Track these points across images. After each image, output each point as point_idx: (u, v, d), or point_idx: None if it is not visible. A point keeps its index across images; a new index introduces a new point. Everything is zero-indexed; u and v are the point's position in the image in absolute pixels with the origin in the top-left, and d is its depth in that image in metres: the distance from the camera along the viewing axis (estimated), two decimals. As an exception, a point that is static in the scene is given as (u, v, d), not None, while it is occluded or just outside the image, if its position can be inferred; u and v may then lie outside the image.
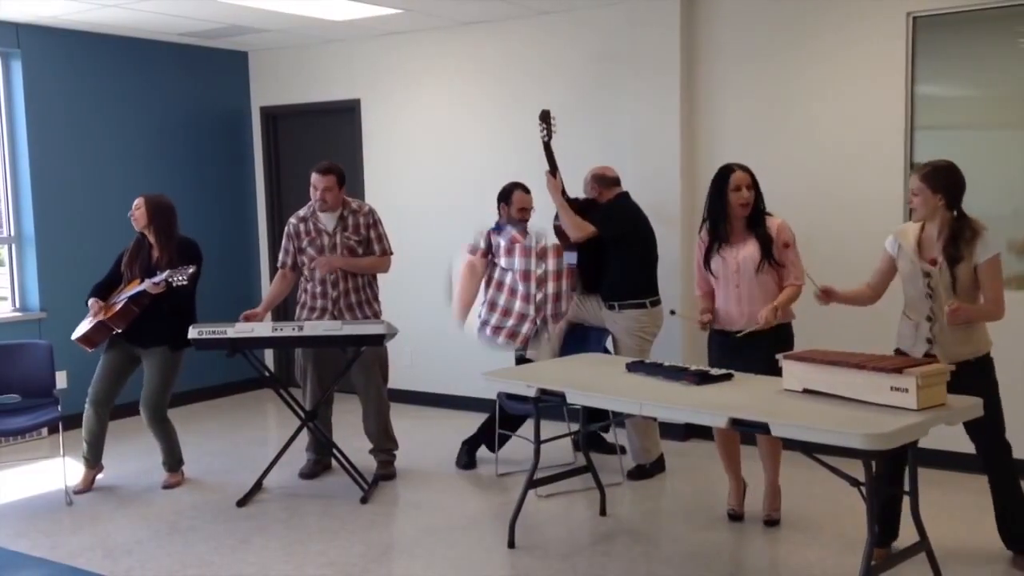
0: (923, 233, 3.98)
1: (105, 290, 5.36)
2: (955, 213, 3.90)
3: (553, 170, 5.49)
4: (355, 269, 5.36)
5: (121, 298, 5.18)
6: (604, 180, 5.46)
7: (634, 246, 5.36)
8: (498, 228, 5.63)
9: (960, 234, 3.87)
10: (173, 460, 5.52)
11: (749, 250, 4.47)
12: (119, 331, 5.23)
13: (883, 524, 3.99)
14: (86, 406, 5.38)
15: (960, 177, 3.91)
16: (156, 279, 5.11)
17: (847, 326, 5.15)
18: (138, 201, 5.33)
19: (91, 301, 5.28)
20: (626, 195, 5.48)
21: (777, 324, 4.38)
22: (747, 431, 3.65)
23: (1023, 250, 5.25)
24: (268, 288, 5.67)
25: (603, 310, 5.44)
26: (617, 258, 5.34)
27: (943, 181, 3.87)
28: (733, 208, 4.47)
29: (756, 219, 4.51)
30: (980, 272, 3.85)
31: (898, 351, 4.03)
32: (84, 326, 5.30)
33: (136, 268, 5.30)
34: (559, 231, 5.53)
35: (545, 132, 5.51)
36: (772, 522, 4.63)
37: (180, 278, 5.08)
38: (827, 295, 4.12)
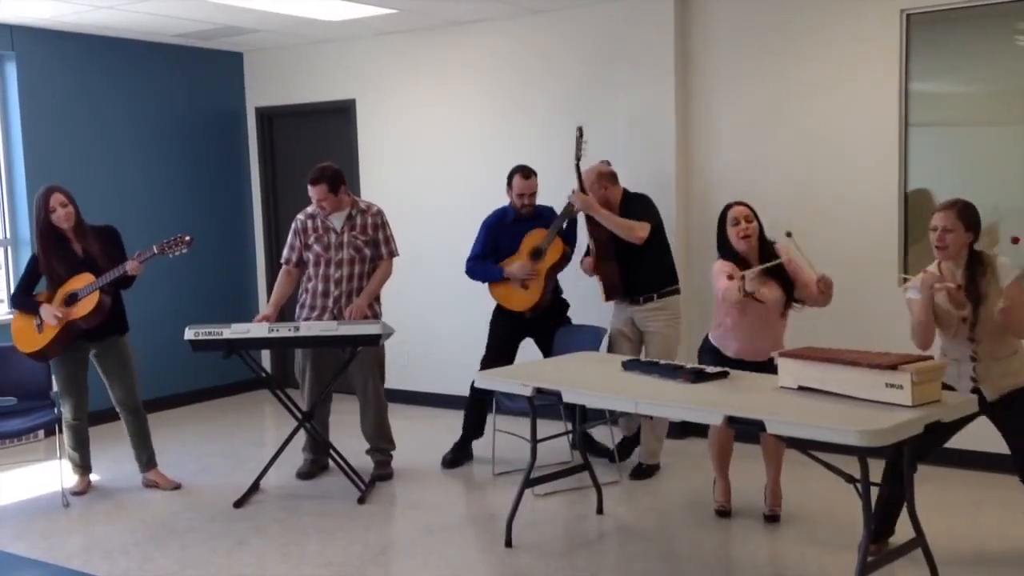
0: (941, 272, 3.85)
1: (29, 296, 5.18)
2: (970, 250, 3.82)
3: (582, 188, 5.35)
4: (375, 291, 5.39)
5: (84, 291, 5.02)
6: (612, 176, 5.41)
7: (660, 235, 5.36)
8: (501, 213, 5.69)
9: (977, 272, 3.77)
10: (154, 455, 5.51)
11: (776, 293, 4.42)
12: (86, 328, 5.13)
13: (881, 520, 4.00)
14: (70, 424, 5.30)
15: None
16: (141, 257, 5.06)
17: (848, 327, 5.16)
18: (60, 197, 5.06)
19: (43, 308, 5.03)
20: (626, 190, 5.47)
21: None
22: (743, 429, 3.65)
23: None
24: (268, 288, 5.66)
25: (634, 308, 5.35)
26: (649, 250, 5.28)
27: (974, 219, 3.79)
28: (735, 242, 4.44)
29: (767, 253, 4.46)
30: (1012, 295, 3.68)
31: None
32: (35, 336, 5.09)
33: (64, 265, 5.10)
34: (599, 241, 5.35)
35: (577, 150, 5.42)
36: (774, 517, 4.63)
37: (179, 248, 5.12)
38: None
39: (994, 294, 3.73)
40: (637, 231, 5.20)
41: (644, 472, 5.42)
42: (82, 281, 5.08)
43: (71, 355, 5.23)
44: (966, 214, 3.78)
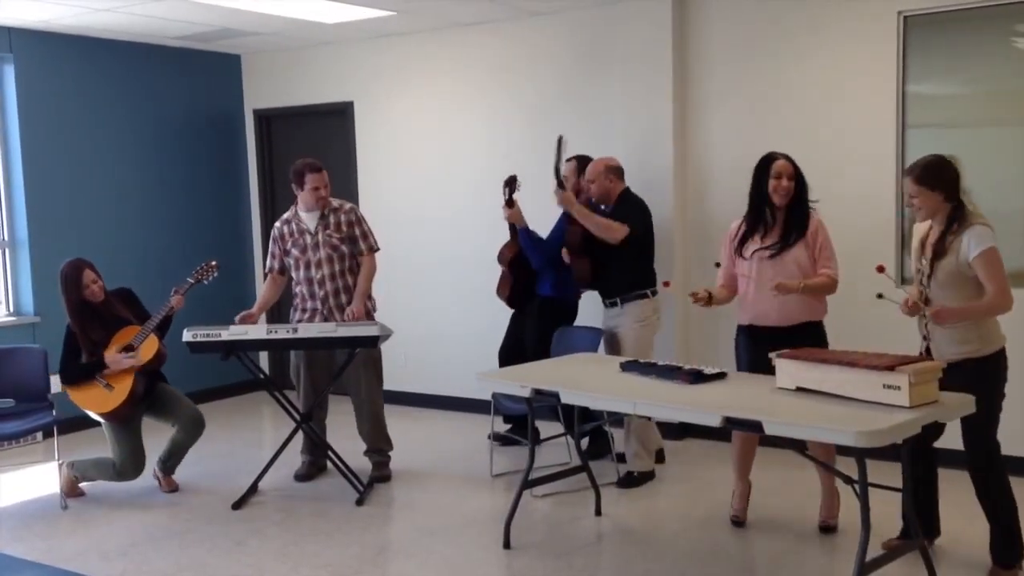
0: (930, 231, 3.91)
1: (78, 364, 5.15)
2: (954, 205, 3.82)
3: (561, 186, 5.31)
4: (366, 290, 5.39)
5: (138, 339, 5.08)
6: (619, 171, 5.37)
7: (643, 240, 5.32)
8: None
9: (949, 228, 3.80)
10: (178, 464, 5.50)
11: (796, 255, 4.34)
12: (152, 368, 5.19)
13: (922, 518, 3.98)
14: (114, 470, 5.21)
15: (953, 168, 3.83)
16: (182, 290, 5.21)
17: (844, 327, 5.16)
18: (90, 274, 5.10)
19: (109, 357, 5.05)
20: (628, 188, 5.44)
21: (808, 322, 4.33)
22: (740, 430, 3.66)
23: None
24: (262, 292, 5.68)
25: (605, 311, 5.41)
26: (626, 253, 5.26)
27: (937, 176, 3.80)
28: (772, 195, 4.34)
29: (800, 215, 4.37)
30: (975, 268, 3.74)
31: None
32: (107, 396, 5.06)
33: (100, 332, 5.14)
34: (574, 236, 5.38)
35: (557, 158, 5.32)
36: (829, 528, 4.50)
37: (211, 274, 5.32)
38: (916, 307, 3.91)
39: (953, 253, 3.76)
40: (615, 231, 5.16)
41: (634, 480, 5.32)
42: (130, 333, 5.15)
43: (132, 417, 5.22)
44: (925, 178, 3.80)
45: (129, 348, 5.10)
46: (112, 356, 5.07)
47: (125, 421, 5.17)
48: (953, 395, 3.59)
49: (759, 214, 4.43)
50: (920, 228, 4.00)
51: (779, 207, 4.38)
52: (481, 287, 6.75)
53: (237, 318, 5.35)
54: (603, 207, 5.38)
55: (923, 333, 3.91)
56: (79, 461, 5.33)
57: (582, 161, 5.66)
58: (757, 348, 4.33)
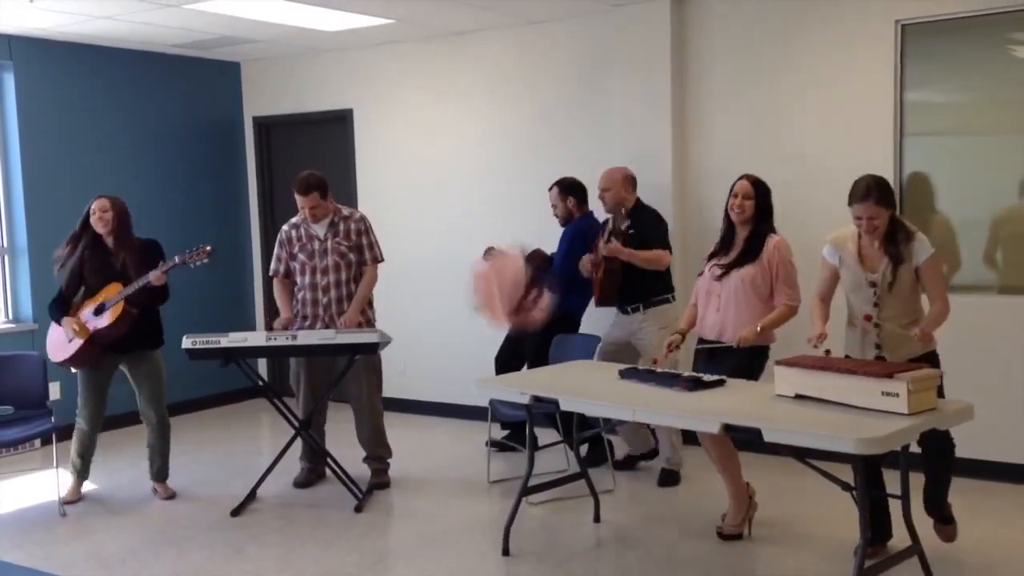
0: (861, 241, 3.99)
1: (66, 305, 5.20)
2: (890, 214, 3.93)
3: (609, 239, 5.26)
4: (364, 299, 5.39)
5: (111, 302, 5.06)
6: (634, 182, 5.44)
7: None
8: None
9: (894, 236, 3.90)
10: (166, 468, 5.50)
11: (747, 272, 4.43)
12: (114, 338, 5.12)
13: (874, 525, 4.03)
14: (81, 427, 5.30)
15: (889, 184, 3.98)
16: (164, 268, 5.09)
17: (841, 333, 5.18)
18: (103, 203, 5.17)
19: (65, 320, 5.10)
20: (639, 199, 5.51)
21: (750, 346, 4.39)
22: (740, 437, 3.66)
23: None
24: (266, 297, 5.68)
25: (624, 319, 5.40)
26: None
27: (890, 195, 3.91)
28: (731, 216, 4.49)
29: (755, 236, 4.46)
30: (923, 273, 3.88)
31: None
32: (64, 345, 5.13)
33: (97, 276, 5.17)
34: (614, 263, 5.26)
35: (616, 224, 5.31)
36: (725, 536, 4.52)
37: (201, 258, 5.16)
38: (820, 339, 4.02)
39: (908, 259, 3.88)
40: (664, 260, 5.26)
41: (671, 478, 5.43)
42: (112, 291, 5.13)
43: (97, 365, 5.24)
44: (884, 199, 3.87)
45: (102, 307, 5.10)
46: (66, 321, 5.11)
47: (82, 366, 5.22)
48: (951, 402, 3.60)
49: (724, 232, 4.58)
50: (846, 240, 4.04)
51: (736, 225, 4.51)
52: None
53: (276, 324, 5.40)
54: (612, 215, 5.40)
55: (875, 342, 3.95)
56: (72, 458, 5.39)
57: (563, 184, 5.73)
58: (700, 359, 4.59)
